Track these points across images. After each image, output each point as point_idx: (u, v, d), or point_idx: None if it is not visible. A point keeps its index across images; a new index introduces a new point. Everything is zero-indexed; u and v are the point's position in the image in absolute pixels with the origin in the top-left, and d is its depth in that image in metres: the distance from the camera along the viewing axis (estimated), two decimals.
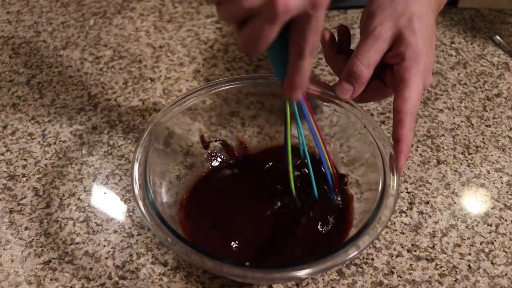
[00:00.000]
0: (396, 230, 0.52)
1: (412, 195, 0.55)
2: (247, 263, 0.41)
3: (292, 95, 0.42)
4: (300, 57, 0.39)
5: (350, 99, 0.50)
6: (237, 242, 0.48)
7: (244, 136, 0.57)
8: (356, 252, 0.40)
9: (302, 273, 0.39)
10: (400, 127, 0.46)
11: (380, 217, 0.42)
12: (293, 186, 0.49)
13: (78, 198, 0.55)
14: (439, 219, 0.53)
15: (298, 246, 0.48)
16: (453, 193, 0.56)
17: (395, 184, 0.45)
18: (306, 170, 0.51)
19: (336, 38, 0.54)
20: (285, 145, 0.48)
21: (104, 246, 0.51)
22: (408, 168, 0.58)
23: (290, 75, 0.41)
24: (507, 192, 0.56)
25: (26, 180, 0.57)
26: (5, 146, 0.60)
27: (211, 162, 0.55)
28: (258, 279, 0.45)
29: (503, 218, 0.54)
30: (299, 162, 0.52)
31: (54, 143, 0.60)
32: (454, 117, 0.64)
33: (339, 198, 0.50)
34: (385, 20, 0.48)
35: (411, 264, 0.50)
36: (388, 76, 0.50)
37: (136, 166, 0.46)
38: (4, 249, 0.51)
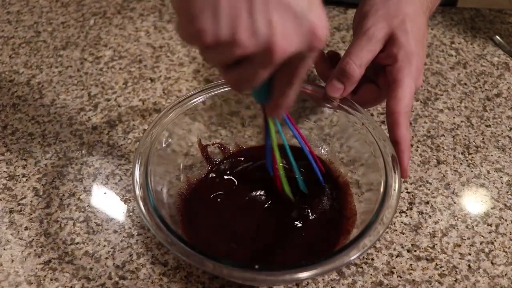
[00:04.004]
0: (396, 230, 0.52)
1: (412, 195, 0.55)
2: (248, 265, 0.40)
3: (277, 114, 0.41)
4: (289, 86, 0.38)
5: (339, 97, 0.50)
6: (237, 243, 0.48)
7: (244, 137, 0.57)
8: (358, 254, 0.40)
9: (305, 275, 0.39)
10: (396, 128, 0.47)
11: (382, 218, 0.42)
12: (288, 191, 0.50)
13: (78, 198, 0.55)
14: (439, 219, 0.53)
15: (298, 247, 0.48)
16: (453, 193, 0.56)
17: (397, 185, 0.45)
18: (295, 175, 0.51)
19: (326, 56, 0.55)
20: (268, 157, 0.49)
21: (104, 246, 0.51)
22: None
23: (276, 100, 0.39)
24: (507, 192, 0.56)
25: (26, 180, 0.57)
26: (5, 146, 0.60)
27: (210, 164, 0.55)
28: (259, 281, 0.44)
29: (503, 218, 0.54)
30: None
31: (54, 143, 0.60)
32: (454, 117, 0.64)
33: (327, 188, 0.51)
34: (378, 21, 0.48)
35: (411, 264, 0.50)
36: (381, 78, 0.50)
37: (137, 166, 0.46)
38: (4, 249, 0.51)
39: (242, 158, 0.55)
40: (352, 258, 0.40)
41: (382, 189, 0.45)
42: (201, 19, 0.30)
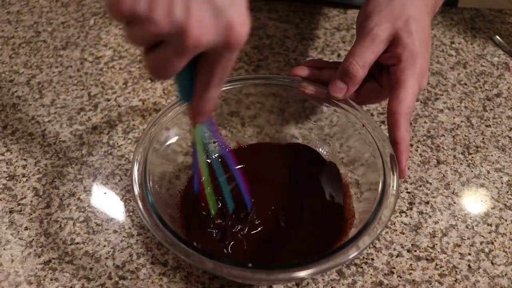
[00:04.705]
0: (396, 230, 0.52)
1: (412, 195, 0.55)
2: (248, 264, 0.41)
3: (198, 120, 0.40)
4: (207, 87, 0.37)
5: (342, 98, 0.50)
6: (236, 242, 0.48)
7: (244, 136, 0.57)
8: (356, 253, 0.40)
9: (303, 273, 0.39)
10: (396, 129, 0.47)
11: (381, 217, 0.43)
12: (214, 207, 0.49)
13: (78, 198, 0.55)
14: (439, 219, 0.53)
15: (297, 247, 0.48)
16: (453, 193, 0.56)
17: (395, 184, 0.45)
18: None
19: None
20: (195, 168, 0.47)
21: (104, 246, 0.51)
22: (408, 168, 0.58)
23: (196, 102, 0.39)
24: (507, 192, 0.56)
25: (26, 180, 0.57)
26: (5, 146, 0.60)
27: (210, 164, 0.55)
28: (258, 280, 0.44)
29: (503, 218, 0.54)
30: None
31: (54, 143, 0.60)
32: (454, 117, 0.64)
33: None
34: (382, 21, 0.48)
35: (411, 264, 0.50)
36: (384, 78, 0.50)
37: (135, 166, 0.46)
38: (4, 249, 0.51)
39: (242, 156, 0.55)
40: (350, 257, 0.40)
41: (380, 189, 0.45)
42: None
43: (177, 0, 0.31)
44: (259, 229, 0.49)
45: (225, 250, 0.47)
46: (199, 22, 0.32)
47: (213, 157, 0.48)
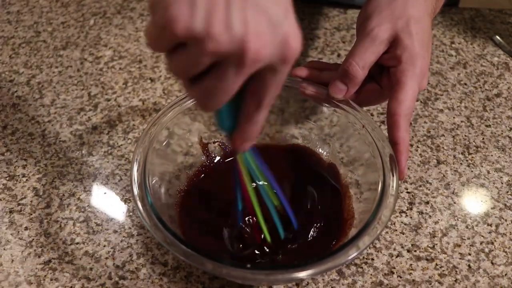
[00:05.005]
0: (396, 230, 0.52)
1: (412, 195, 0.55)
2: (248, 265, 0.40)
3: (244, 147, 0.38)
4: (257, 109, 0.35)
5: (342, 98, 0.50)
6: (236, 242, 0.48)
7: None
8: (356, 253, 0.40)
9: (303, 274, 0.39)
10: (396, 130, 0.47)
11: (380, 217, 0.42)
12: (268, 236, 0.46)
13: (78, 198, 0.55)
14: (439, 219, 0.53)
15: (297, 247, 0.48)
16: (453, 193, 0.56)
17: (394, 184, 0.45)
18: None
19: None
20: (238, 195, 0.45)
21: (104, 246, 0.51)
22: (408, 168, 0.58)
23: (243, 127, 0.36)
24: (507, 192, 0.56)
25: (26, 180, 0.57)
26: (5, 146, 0.60)
27: (211, 163, 0.55)
28: (258, 281, 0.44)
29: (503, 218, 0.54)
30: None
31: (54, 143, 0.60)
32: (454, 117, 0.64)
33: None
34: (382, 22, 0.48)
35: (411, 264, 0.50)
36: (384, 79, 0.50)
37: (135, 166, 0.46)
38: (4, 249, 0.51)
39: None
40: (350, 257, 0.40)
41: (380, 189, 0.45)
42: (176, 6, 0.29)
43: (234, 13, 0.29)
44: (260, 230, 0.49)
45: (225, 249, 0.47)
46: (258, 35, 0.30)
47: (259, 183, 0.45)
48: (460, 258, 0.50)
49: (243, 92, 0.34)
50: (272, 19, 0.31)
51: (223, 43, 0.29)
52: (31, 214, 0.53)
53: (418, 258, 0.50)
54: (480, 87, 0.68)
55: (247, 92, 0.34)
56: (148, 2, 0.31)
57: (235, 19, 0.29)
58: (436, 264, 0.50)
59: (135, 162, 0.46)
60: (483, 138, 0.61)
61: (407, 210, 0.54)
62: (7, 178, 0.57)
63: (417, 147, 0.60)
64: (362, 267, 0.49)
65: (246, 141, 0.38)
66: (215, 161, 0.55)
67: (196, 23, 0.29)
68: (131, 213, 0.53)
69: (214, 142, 0.55)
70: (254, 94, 0.34)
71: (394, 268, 0.49)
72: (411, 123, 0.62)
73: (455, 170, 0.58)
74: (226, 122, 0.37)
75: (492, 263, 0.50)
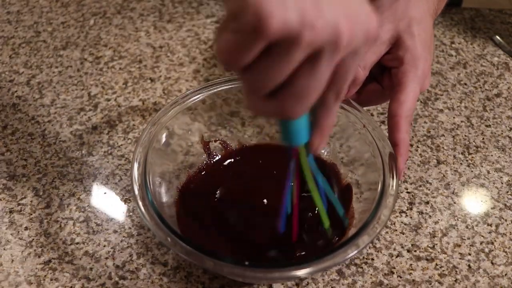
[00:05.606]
0: (396, 230, 0.52)
1: (412, 195, 0.55)
2: (247, 262, 0.41)
3: (322, 146, 0.37)
4: (337, 99, 0.33)
5: (344, 98, 0.50)
6: (236, 241, 0.48)
7: (244, 136, 0.57)
8: (355, 252, 0.40)
9: (302, 272, 0.40)
10: (396, 131, 0.47)
11: (380, 217, 0.43)
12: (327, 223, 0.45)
13: (78, 198, 0.55)
14: (439, 219, 0.53)
15: (297, 245, 0.48)
16: (453, 193, 0.56)
17: (394, 184, 0.45)
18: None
19: None
20: (287, 203, 0.43)
21: (104, 246, 0.51)
22: (408, 168, 0.58)
23: (323, 124, 0.35)
24: (507, 192, 0.56)
25: (26, 180, 0.57)
26: (5, 146, 0.60)
27: (211, 161, 0.55)
28: (258, 278, 0.45)
29: (503, 218, 0.54)
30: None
31: (54, 143, 0.60)
32: (454, 117, 0.64)
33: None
34: (384, 23, 0.48)
35: (411, 264, 0.50)
36: (386, 79, 0.50)
37: (135, 166, 0.46)
38: (4, 249, 0.51)
39: (243, 156, 0.55)
40: (348, 256, 0.40)
41: (379, 189, 0.45)
42: (268, 2, 0.26)
43: (322, 0, 0.28)
44: (260, 229, 0.49)
45: (225, 249, 0.47)
46: (348, 17, 0.28)
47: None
48: (460, 258, 0.50)
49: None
50: (355, 1, 0.30)
51: (319, 30, 0.27)
52: (31, 214, 0.53)
53: (418, 258, 0.50)
54: (480, 87, 0.68)
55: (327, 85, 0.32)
56: (227, 11, 0.29)
57: (324, 3, 0.28)
58: (436, 264, 0.50)
59: (136, 162, 0.46)
60: (483, 138, 0.61)
61: (407, 210, 0.54)
62: (7, 178, 0.57)
63: (417, 147, 0.60)
64: (362, 267, 0.49)
65: (326, 138, 0.36)
66: (216, 159, 0.55)
67: (292, 15, 0.27)
68: (131, 213, 0.53)
69: (215, 141, 0.55)
70: (334, 84, 0.32)
71: (394, 268, 0.49)
72: (411, 124, 0.62)
73: (455, 170, 0.58)
74: (299, 135, 0.35)
75: (492, 263, 0.50)
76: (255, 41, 0.27)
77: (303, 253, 0.47)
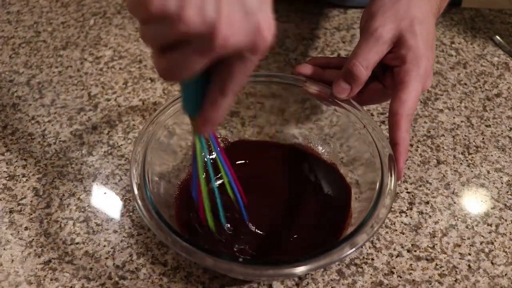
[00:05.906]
0: (396, 230, 0.52)
1: (412, 195, 0.55)
2: (243, 259, 0.41)
3: (205, 130, 0.39)
4: (221, 95, 0.35)
5: (346, 98, 0.50)
6: (235, 239, 0.48)
7: (244, 136, 0.57)
8: (352, 250, 0.40)
9: (298, 270, 0.40)
10: (396, 130, 0.47)
11: (377, 216, 0.43)
12: (211, 222, 0.46)
13: (78, 198, 0.55)
14: (439, 219, 0.53)
15: (296, 246, 0.48)
16: (453, 193, 0.56)
17: (392, 184, 0.45)
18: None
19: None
20: (195, 179, 0.45)
21: (104, 246, 0.51)
22: (408, 168, 0.58)
23: (207, 110, 0.37)
24: (507, 192, 0.56)
25: (26, 180, 0.57)
26: (5, 146, 0.60)
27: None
28: (254, 275, 0.45)
29: (503, 218, 0.54)
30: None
31: (54, 143, 0.60)
32: (454, 117, 0.64)
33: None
34: (386, 22, 0.48)
35: (411, 264, 0.50)
36: (388, 78, 0.50)
37: (134, 165, 0.46)
38: (4, 249, 0.51)
39: (241, 152, 0.55)
40: (345, 254, 0.40)
41: (377, 188, 0.45)
42: None
43: None
44: (260, 229, 0.49)
45: (224, 248, 0.47)
46: (230, 23, 0.30)
47: (211, 169, 0.47)
48: (460, 258, 0.50)
49: (210, 76, 0.35)
50: (247, 7, 0.31)
51: (193, 26, 0.30)
52: (31, 214, 0.53)
53: (418, 258, 0.50)
54: (480, 87, 0.68)
55: (213, 77, 0.35)
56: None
57: (209, 4, 0.30)
58: (436, 264, 0.50)
59: (135, 161, 0.46)
60: (483, 138, 0.61)
61: (407, 210, 0.54)
62: (7, 178, 0.57)
63: (417, 147, 0.60)
64: (362, 267, 0.49)
65: (207, 124, 0.38)
66: (214, 156, 0.55)
67: (170, 4, 0.29)
68: (131, 213, 0.53)
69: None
70: (219, 80, 0.35)
71: (394, 268, 0.49)
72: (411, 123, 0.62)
73: (455, 170, 0.58)
74: (190, 105, 0.38)
75: (492, 263, 0.50)
76: (137, 13, 0.31)
77: (301, 250, 0.47)
